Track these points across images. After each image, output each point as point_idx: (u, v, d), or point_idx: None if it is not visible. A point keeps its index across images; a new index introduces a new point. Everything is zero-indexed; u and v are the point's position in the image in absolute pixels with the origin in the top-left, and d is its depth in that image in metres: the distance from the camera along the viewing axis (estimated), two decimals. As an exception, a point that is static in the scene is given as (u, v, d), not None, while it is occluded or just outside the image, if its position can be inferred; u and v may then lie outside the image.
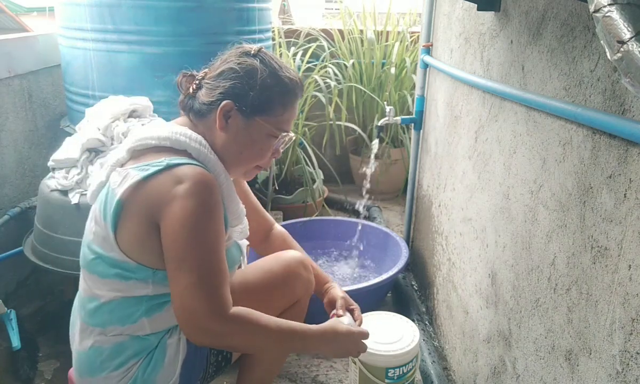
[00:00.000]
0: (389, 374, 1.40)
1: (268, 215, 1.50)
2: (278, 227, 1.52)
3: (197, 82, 1.19)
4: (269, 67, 1.16)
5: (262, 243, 1.49)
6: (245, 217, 1.26)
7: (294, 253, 1.38)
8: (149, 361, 1.12)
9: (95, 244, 1.11)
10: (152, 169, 1.05)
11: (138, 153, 1.12)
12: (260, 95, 1.13)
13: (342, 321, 1.25)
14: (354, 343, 1.21)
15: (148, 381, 1.11)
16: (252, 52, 1.17)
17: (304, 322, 1.32)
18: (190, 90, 1.18)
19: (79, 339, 1.15)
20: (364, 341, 1.23)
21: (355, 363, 1.44)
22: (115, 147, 1.77)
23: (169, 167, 1.05)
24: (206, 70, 1.21)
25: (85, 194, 1.73)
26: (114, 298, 1.09)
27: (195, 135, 1.13)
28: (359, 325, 1.33)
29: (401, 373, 1.41)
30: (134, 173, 1.07)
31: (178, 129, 1.12)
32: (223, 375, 1.27)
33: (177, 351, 1.14)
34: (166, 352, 1.13)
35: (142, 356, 1.12)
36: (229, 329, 1.02)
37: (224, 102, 1.12)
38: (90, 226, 1.14)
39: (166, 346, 1.13)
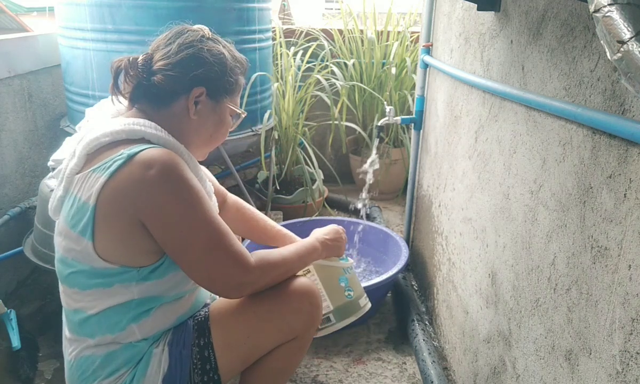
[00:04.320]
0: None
1: (220, 185, 1.47)
2: (232, 196, 1.52)
3: (141, 67, 1.12)
4: (229, 51, 1.20)
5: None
6: (214, 194, 1.29)
7: (304, 282, 1.22)
8: (135, 371, 1.10)
9: (70, 258, 1.06)
10: (114, 165, 1.01)
11: (93, 155, 1.06)
12: (229, 79, 1.18)
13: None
14: (339, 235, 1.42)
15: None
16: (207, 35, 1.19)
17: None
18: (139, 76, 1.12)
19: (69, 350, 1.12)
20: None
21: (310, 271, 1.39)
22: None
23: (130, 157, 1.01)
24: (145, 54, 1.15)
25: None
26: (100, 308, 1.06)
27: (149, 122, 1.09)
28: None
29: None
30: (97, 175, 1.02)
31: (129, 120, 1.08)
32: None
33: (160, 363, 1.11)
34: (149, 363, 1.10)
35: (133, 364, 1.10)
36: (258, 275, 1.11)
37: (195, 89, 1.13)
38: (58, 241, 1.10)
39: (151, 356, 1.11)
